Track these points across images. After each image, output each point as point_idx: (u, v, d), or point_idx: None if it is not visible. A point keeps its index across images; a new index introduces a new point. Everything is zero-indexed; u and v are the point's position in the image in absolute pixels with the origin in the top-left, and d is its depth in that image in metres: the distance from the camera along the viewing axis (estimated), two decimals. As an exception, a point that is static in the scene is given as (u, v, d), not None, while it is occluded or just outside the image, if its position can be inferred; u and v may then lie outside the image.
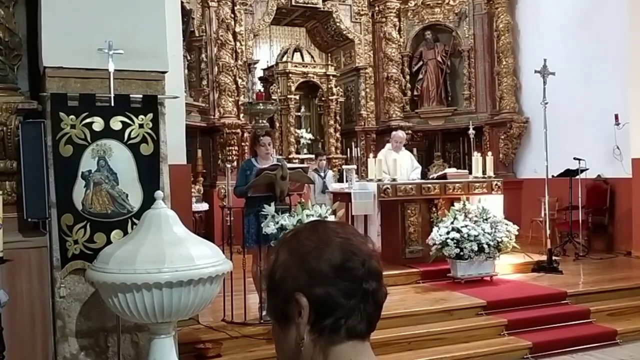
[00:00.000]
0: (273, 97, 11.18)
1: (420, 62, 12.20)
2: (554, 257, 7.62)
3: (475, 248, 6.69)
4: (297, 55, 11.97)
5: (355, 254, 1.12)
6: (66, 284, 4.05)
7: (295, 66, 11.64)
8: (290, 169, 5.50)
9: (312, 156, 10.75)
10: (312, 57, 12.32)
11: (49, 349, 4.09)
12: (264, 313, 5.31)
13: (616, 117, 8.94)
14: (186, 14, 9.44)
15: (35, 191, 3.99)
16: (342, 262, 1.11)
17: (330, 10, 12.02)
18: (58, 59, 4.03)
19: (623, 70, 8.68)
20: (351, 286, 1.10)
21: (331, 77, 11.87)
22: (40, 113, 4.21)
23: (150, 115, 4.21)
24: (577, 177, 8.76)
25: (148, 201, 3.96)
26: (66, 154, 4.02)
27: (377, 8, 12.21)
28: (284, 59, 11.79)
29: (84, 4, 4.15)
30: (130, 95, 4.18)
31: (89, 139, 4.07)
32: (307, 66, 11.83)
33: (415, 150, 10.76)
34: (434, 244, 6.85)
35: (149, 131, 4.21)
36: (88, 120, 4.06)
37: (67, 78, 4.07)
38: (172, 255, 3.48)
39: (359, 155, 11.58)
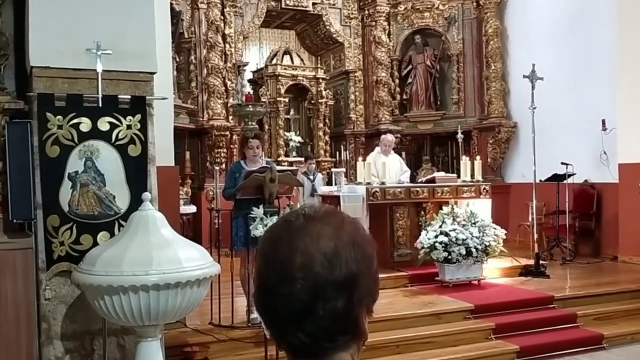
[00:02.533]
0: (262, 100, 11.16)
1: (410, 66, 12.22)
2: (541, 262, 7.65)
3: (463, 252, 6.70)
4: (287, 58, 11.96)
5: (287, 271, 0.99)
6: (52, 286, 4.01)
7: (285, 69, 11.63)
8: (279, 171, 5.48)
9: (301, 159, 10.74)
10: (302, 60, 12.31)
11: (33, 351, 4.05)
12: (251, 316, 5.29)
13: (603, 122, 9.00)
14: (175, 16, 9.41)
15: (21, 192, 3.95)
16: (270, 282, 1.01)
17: (320, 13, 12.02)
18: (45, 58, 4.00)
19: (610, 76, 8.76)
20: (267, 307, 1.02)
21: (321, 80, 11.87)
22: (26, 113, 4.17)
23: (138, 117, 4.19)
24: (565, 181, 8.81)
25: (135, 203, 3.93)
26: (53, 154, 3.99)
27: (366, 12, 12.23)
28: (274, 61, 11.77)
29: (72, 4, 4.12)
30: (119, 96, 4.15)
31: (76, 139, 4.03)
32: (296, 69, 11.82)
33: (404, 153, 10.76)
34: (422, 248, 6.86)
35: (137, 132, 4.19)
36: (75, 120, 4.03)
37: (54, 78, 4.04)
38: (160, 257, 3.46)
39: (348, 158, 11.59)
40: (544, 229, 9.25)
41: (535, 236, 7.89)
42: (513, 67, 11.22)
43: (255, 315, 5.22)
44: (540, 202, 8.71)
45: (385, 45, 12.03)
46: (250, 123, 10.12)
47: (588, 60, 9.38)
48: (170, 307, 3.49)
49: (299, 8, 11.79)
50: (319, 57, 13.32)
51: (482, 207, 7.53)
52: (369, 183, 7.54)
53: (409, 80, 12.23)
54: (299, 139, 11.96)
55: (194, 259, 3.58)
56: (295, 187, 6.70)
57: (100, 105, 4.06)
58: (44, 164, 3.98)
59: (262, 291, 1.02)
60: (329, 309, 0.98)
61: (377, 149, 8.58)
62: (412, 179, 8.99)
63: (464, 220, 6.96)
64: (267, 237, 1.06)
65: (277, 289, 0.99)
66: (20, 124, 4.04)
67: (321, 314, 0.98)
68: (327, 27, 12.19)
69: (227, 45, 10.86)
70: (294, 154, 11.67)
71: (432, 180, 8.12)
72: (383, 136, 8.83)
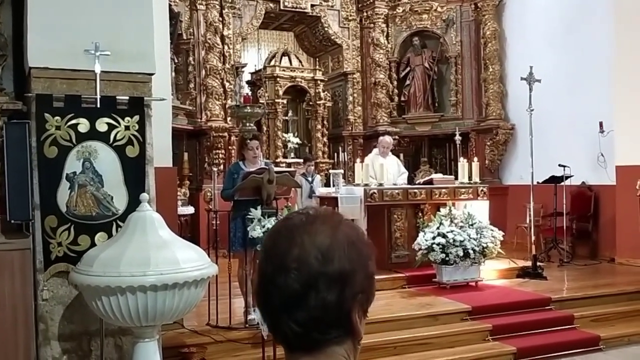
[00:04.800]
0: (261, 101, 11.16)
1: (408, 68, 12.24)
2: (538, 263, 7.65)
3: (461, 253, 6.71)
4: (285, 59, 11.96)
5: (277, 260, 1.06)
6: (49, 286, 4.01)
7: (283, 70, 11.63)
8: (277, 172, 5.49)
9: (300, 160, 10.75)
10: (300, 61, 12.32)
11: (31, 352, 4.05)
12: (249, 317, 5.29)
13: (601, 124, 9.03)
14: (174, 17, 9.41)
15: (19, 193, 3.95)
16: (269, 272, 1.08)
17: (318, 15, 12.04)
18: (44, 59, 4.00)
19: (608, 78, 8.78)
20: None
21: (319, 82, 11.88)
22: (25, 114, 4.18)
23: (136, 117, 4.20)
24: (562, 183, 8.83)
25: (133, 204, 3.94)
26: (51, 155, 3.99)
27: (365, 14, 12.25)
28: (272, 63, 11.78)
29: (71, 5, 4.13)
30: (117, 97, 4.16)
31: (74, 140, 4.04)
32: (295, 70, 11.83)
33: (402, 155, 10.79)
34: (420, 249, 6.87)
35: (135, 133, 4.19)
36: (73, 121, 4.03)
37: (52, 79, 4.04)
38: (157, 258, 3.47)
39: (346, 160, 11.60)
40: (541, 230, 9.26)
41: (533, 238, 7.89)
42: (511, 70, 11.25)
43: (252, 316, 5.23)
44: (538, 204, 8.72)
45: (384, 47, 12.05)
46: (248, 124, 10.12)
47: (585, 63, 9.40)
48: (168, 308, 3.49)
49: (297, 10, 11.80)
50: (317, 59, 13.33)
51: (480, 209, 7.54)
52: (366, 184, 7.55)
53: (407, 82, 12.25)
54: (297, 140, 11.97)
55: (191, 260, 3.58)
56: (293, 189, 6.71)
57: (98, 106, 4.06)
58: (42, 165, 3.98)
59: (260, 281, 1.08)
60: (320, 299, 1.03)
61: (375, 150, 8.58)
62: (410, 180, 9.00)
63: (462, 221, 6.97)
64: (270, 233, 1.13)
65: (273, 278, 1.05)
66: (19, 124, 4.04)
67: (312, 303, 1.03)
68: (326, 29, 12.21)
69: (226, 47, 10.88)
70: (292, 155, 11.67)
71: (430, 182, 8.13)
72: (381, 138, 8.84)
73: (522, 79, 8.15)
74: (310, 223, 1.08)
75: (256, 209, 5.12)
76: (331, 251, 1.05)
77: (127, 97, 4.19)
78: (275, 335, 1.09)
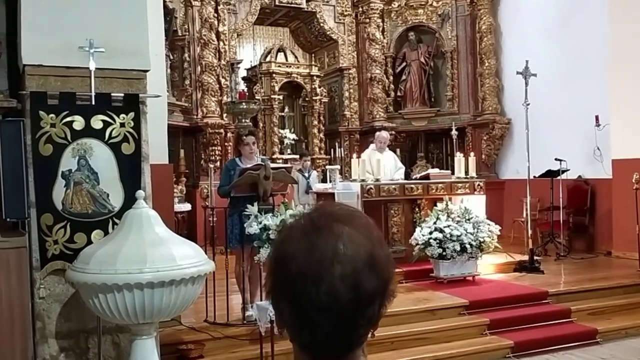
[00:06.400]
0: (256, 97, 11.14)
1: (404, 63, 12.23)
2: (535, 257, 7.67)
3: (458, 248, 6.72)
4: (281, 55, 11.94)
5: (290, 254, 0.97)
6: (46, 284, 4.00)
7: (279, 66, 11.60)
8: (273, 169, 5.48)
9: (296, 156, 10.73)
10: (296, 57, 12.30)
11: (28, 350, 4.04)
12: (247, 314, 5.29)
13: (597, 118, 9.04)
14: (169, 13, 9.38)
15: (15, 191, 3.94)
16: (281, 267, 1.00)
17: (314, 10, 12.01)
18: (38, 56, 3.99)
19: (603, 72, 8.78)
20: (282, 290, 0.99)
21: (315, 78, 11.85)
22: (19, 112, 4.16)
23: (131, 114, 4.18)
24: (559, 177, 8.84)
25: (129, 201, 3.93)
26: (46, 153, 3.98)
27: (360, 9, 12.23)
28: (268, 59, 11.75)
29: (65, 2, 4.11)
30: (112, 94, 4.14)
31: (69, 138, 4.03)
32: (290, 66, 11.81)
33: (398, 150, 10.78)
34: (417, 244, 6.87)
35: (131, 130, 4.18)
36: (68, 119, 4.02)
37: (47, 76, 4.03)
38: (154, 255, 3.46)
39: (342, 155, 11.58)
40: (538, 224, 9.28)
41: (530, 232, 7.91)
42: (507, 64, 11.25)
43: (250, 312, 5.23)
44: (535, 198, 8.74)
45: (379, 42, 12.03)
46: (244, 120, 10.11)
47: (581, 57, 9.40)
48: (165, 305, 3.49)
49: (292, 5, 11.78)
50: (313, 55, 13.30)
51: (477, 204, 7.55)
52: (363, 180, 7.54)
53: (403, 77, 12.24)
54: (293, 136, 11.95)
55: (188, 257, 3.58)
56: (290, 185, 6.70)
57: (93, 103, 4.05)
58: (37, 163, 3.96)
59: (295, 301, 0.97)
60: (368, 317, 0.98)
61: (372, 146, 8.58)
62: (407, 175, 8.99)
63: (459, 216, 6.97)
64: (292, 237, 1.01)
65: (319, 302, 0.94)
66: (13, 122, 4.03)
67: (361, 323, 0.97)
68: (321, 25, 12.18)
69: (221, 43, 10.84)
70: (289, 151, 11.66)
71: (427, 177, 8.13)
72: (378, 133, 8.84)
73: (517, 73, 8.16)
74: (339, 228, 0.98)
75: (253, 205, 5.12)
76: (377, 259, 0.98)
77: (122, 94, 4.17)
78: (311, 346, 0.99)
